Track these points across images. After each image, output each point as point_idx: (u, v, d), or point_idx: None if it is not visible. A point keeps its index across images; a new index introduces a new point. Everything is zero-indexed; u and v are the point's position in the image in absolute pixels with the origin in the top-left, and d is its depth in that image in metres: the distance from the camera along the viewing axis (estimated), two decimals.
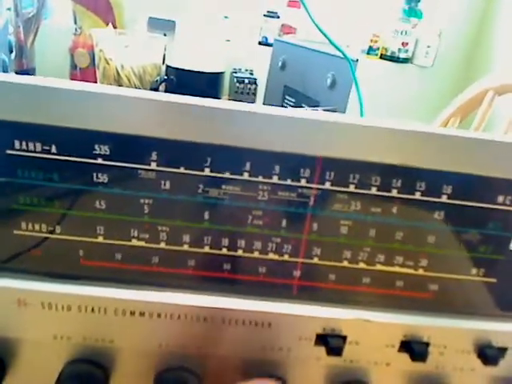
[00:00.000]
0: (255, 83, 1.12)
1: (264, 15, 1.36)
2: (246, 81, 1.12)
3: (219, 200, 0.22)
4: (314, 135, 0.21)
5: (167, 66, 0.83)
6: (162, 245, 0.22)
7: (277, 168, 0.21)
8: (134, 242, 0.22)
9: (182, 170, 0.21)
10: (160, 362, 0.24)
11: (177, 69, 0.82)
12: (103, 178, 0.21)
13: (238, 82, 1.12)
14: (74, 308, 0.22)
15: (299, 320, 0.23)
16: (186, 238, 0.22)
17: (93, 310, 0.22)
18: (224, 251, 0.23)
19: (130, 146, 0.21)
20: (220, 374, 0.24)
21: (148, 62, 0.78)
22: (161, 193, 0.22)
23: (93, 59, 0.84)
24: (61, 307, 0.22)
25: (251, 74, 1.20)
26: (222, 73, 0.89)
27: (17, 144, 0.21)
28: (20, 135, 0.21)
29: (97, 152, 0.21)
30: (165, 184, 0.21)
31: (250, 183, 0.22)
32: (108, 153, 0.21)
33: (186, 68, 0.82)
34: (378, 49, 1.43)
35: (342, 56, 0.65)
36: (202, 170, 0.21)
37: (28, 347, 0.24)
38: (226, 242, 0.22)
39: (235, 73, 1.16)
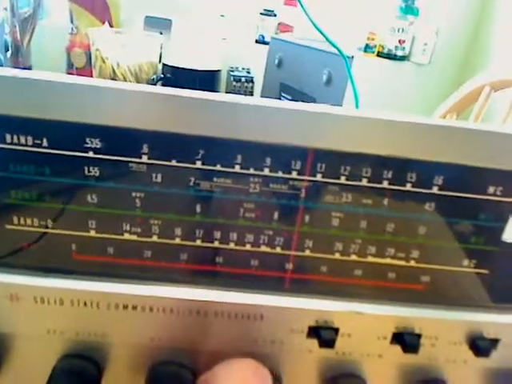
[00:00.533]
0: (252, 81, 1.12)
1: (260, 13, 1.36)
2: (243, 79, 1.12)
3: (211, 193, 0.22)
4: (305, 127, 0.21)
5: (163, 65, 0.83)
6: (154, 238, 0.22)
7: (268, 160, 0.21)
8: (126, 236, 0.22)
9: (173, 162, 0.21)
10: (153, 355, 0.24)
11: (173, 67, 0.82)
12: (94, 171, 0.21)
13: (234, 80, 1.12)
14: (67, 302, 0.22)
15: (291, 312, 0.23)
16: (178, 231, 0.22)
17: (85, 304, 0.22)
18: (216, 244, 0.23)
19: (121, 139, 0.21)
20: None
21: (144, 61, 0.79)
22: (152, 186, 0.22)
23: (89, 59, 0.85)
24: (53, 301, 0.22)
25: (248, 72, 1.20)
26: (218, 71, 0.89)
27: (8, 138, 0.21)
28: (11, 129, 0.21)
29: (88, 145, 0.21)
30: (156, 177, 0.21)
31: (241, 176, 0.22)
32: (99, 146, 0.21)
33: (183, 66, 0.83)
34: (375, 46, 1.43)
35: (337, 53, 0.65)
36: (194, 163, 0.21)
37: (21, 342, 0.24)
38: (217, 235, 0.23)
39: (232, 71, 1.16)
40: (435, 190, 0.22)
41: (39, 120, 0.20)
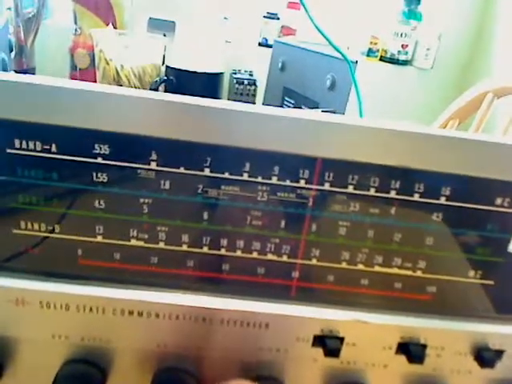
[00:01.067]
0: (255, 84, 1.13)
1: (264, 16, 1.37)
2: (246, 82, 1.12)
3: (218, 200, 0.22)
4: (313, 136, 0.21)
5: (167, 67, 0.83)
6: (161, 245, 0.22)
7: (276, 169, 0.22)
8: (133, 242, 0.22)
9: (181, 169, 0.21)
10: (158, 362, 0.24)
11: (176, 69, 0.82)
12: (103, 177, 0.21)
13: (237, 83, 1.12)
14: (73, 307, 0.22)
15: (297, 321, 0.23)
16: (185, 238, 0.22)
17: (91, 309, 0.22)
18: (223, 252, 0.23)
19: (129, 146, 0.21)
20: (217, 374, 0.24)
21: (148, 63, 0.79)
22: (160, 193, 0.22)
23: (93, 60, 0.84)
24: (59, 306, 0.22)
25: (251, 75, 1.20)
26: (221, 74, 0.89)
27: (17, 143, 0.21)
28: (20, 134, 0.21)
29: (97, 151, 0.21)
30: (164, 184, 0.21)
31: (249, 184, 0.22)
32: (108, 152, 0.21)
33: (186, 69, 0.83)
34: (378, 51, 1.43)
35: (341, 57, 0.65)
36: (202, 170, 0.21)
37: (26, 346, 0.24)
38: (224, 242, 0.23)
39: (235, 74, 1.16)
40: (443, 200, 0.22)
41: (48, 125, 0.20)
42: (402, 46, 1.39)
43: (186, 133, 0.21)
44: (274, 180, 0.22)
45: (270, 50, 0.93)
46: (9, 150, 0.21)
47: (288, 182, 0.22)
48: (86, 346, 0.23)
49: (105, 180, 0.21)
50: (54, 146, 0.21)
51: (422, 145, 0.21)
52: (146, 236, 0.22)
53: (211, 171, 0.21)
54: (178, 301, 0.23)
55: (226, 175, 0.22)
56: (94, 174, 0.21)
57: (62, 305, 0.22)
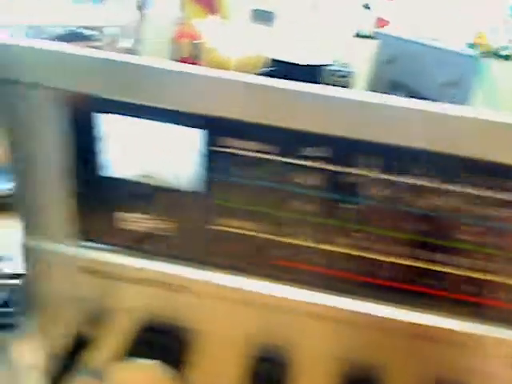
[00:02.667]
0: (351, 76, 1.10)
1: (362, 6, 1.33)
2: (341, 73, 1.10)
3: (430, 211, 0.20)
4: None
5: (271, 59, 0.83)
6: (363, 253, 0.22)
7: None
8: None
9: (401, 178, 0.20)
10: None
11: (279, 61, 0.82)
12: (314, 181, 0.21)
13: (332, 74, 1.10)
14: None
15: (493, 341, 0.22)
16: (391, 247, 0.21)
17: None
18: (425, 265, 0.21)
19: (346, 149, 0.20)
20: None
21: (252, 54, 0.78)
22: (369, 199, 0.21)
23: (196, 50, 0.85)
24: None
25: (346, 67, 1.17)
26: (322, 65, 0.87)
27: (220, 141, 0.21)
28: (229, 133, 0.20)
29: (309, 154, 0.20)
30: (377, 191, 0.20)
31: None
32: (324, 155, 0.20)
33: (288, 60, 0.82)
34: (482, 45, 1.36)
35: (459, 52, 0.62)
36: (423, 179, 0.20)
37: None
38: (438, 256, 0.21)
39: (330, 65, 1.14)
40: None
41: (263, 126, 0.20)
42: (510, 41, 1.31)
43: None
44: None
45: (365, 40, 0.90)
46: (211, 147, 0.21)
47: None
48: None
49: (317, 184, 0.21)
50: (268, 146, 0.20)
51: None
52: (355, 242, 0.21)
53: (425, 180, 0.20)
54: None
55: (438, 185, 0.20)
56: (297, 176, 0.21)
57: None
